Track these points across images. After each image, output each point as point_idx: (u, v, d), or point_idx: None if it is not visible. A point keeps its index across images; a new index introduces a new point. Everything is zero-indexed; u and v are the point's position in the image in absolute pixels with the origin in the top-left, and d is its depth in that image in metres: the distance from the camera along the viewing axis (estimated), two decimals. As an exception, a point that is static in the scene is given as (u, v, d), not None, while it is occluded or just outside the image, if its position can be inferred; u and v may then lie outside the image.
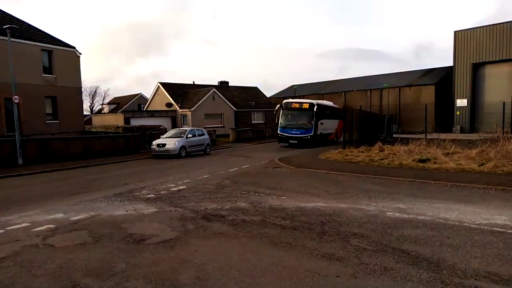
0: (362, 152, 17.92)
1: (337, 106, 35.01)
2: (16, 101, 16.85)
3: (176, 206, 8.07)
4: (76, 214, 7.49)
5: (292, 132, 25.80)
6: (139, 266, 4.75)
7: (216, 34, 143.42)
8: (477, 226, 6.28)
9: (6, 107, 21.57)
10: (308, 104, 26.11)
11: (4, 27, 17.08)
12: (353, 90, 51.47)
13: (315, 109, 25.31)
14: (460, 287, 4.03)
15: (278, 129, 26.81)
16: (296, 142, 25.44)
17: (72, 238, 5.94)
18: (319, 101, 28.99)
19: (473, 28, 38.69)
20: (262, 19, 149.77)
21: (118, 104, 59.61)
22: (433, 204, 7.94)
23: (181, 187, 10.51)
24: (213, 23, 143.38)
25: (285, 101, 27.75)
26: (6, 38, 17.25)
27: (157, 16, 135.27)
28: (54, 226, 6.66)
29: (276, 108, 27.73)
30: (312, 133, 25.33)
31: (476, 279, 4.23)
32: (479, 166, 12.75)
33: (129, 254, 5.19)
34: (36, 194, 10.20)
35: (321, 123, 27.09)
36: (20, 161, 16.90)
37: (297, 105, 26.67)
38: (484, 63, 38.69)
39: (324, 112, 28.29)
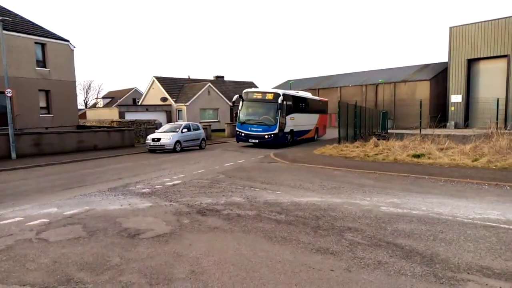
0: (357, 147, 17.99)
1: (317, 98, 30.94)
2: (9, 94, 16.68)
3: (171, 201, 8.05)
4: (70, 209, 7.45)
5: (252, 129, 21.26)
6: (134, 260, 4.74)
7: (211, 27, 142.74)
8: (470, 220, 6.34)
9: (-1, 100, 21.32)
10: (272, 94, 21.42)
11: (-4, 19, 16.83)
12: (349, 85, 51.61)
13: (279, 101, 20.54)
14: (453, 281, 4.06)
15: (236, 125, 22.45)
16: (256, 141, 21.22)
17: (66, 233, 5.91)
18: (288, 91, 24.59)
19: (468, 24, 38.85)
20: (257, 13, 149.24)
21: (112, 98, 59.26)
22: (427, 199, 8.00)
23: (176, 182, 10.49)
24: (208, 16, 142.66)
25: (245, 90, 22.96)
26: (-2, 30, 17.02)
27: (151, 9, 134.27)
28: (48, 220, 6.63)
29: (234, 99, 23.21)
30: (275, 131, 20.78)
31: (468, 273, 4.27)
32: (473, 161, 12.85)
33: (123, 248, 5.17)
34: (30, 188, 10.13)
35: (292, 118, 22.98)
36: (13, 155, 16.77)
37: (259, 95, 21.90)
38: (478, 59, 38.93)
39: (296, 104, 24.02)
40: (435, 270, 4.34)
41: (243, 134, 21.66)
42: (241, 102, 22.19)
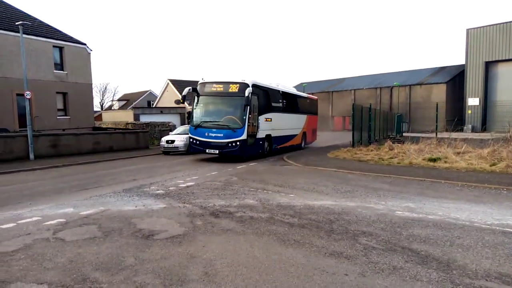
0: (372, 150, 17.81)
1: (304, 94, 25.20)
2: (28, 97, 17.08)
3: (184, 202, 8.11)
4: (86, 209, 7.57)
5: (211, 134, 15.68)
6: (148, 261, 4.79)
7: (225, 30, 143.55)
8: (488, 226, 6.20)
9: (18, 102, 21.90)
10: (237, 85, 15.57)
11: (16, 23, 17.31)
12: (363, 88, 51.19)
13: (247, 94, 14.86)
14: (470, 288, 3.97)
15: (189, 130, 16.83)
16: (217, 152, 15.73)
17: (82, 233, 6.00)
18: (262, 82, 17.48)
19: (486, 26, 38.12)
20: (271, 15, 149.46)
21: (127, 100, 60.15)
22: (443, 204, 7.85)
23: (189, 184, 10.56)
24: (222, 19, 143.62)
25: (201, 81, 16.72)
26: (18, 34, 17.48)
27: (166, 12, 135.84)
28: (65, 220, 6.74)
29: (185, 93, 16.44)
30: (243, 136, 15.32)
31: (487, 279, 4.17)
32: (490, 166, 12.57)
33: (138, 249, 5.23)
34: (47, 188, 10.34)
35: (268, 119, 17.64)
36: (31, 156, 17.13)
37: (220, 87, 16.03)
38: (496, 61, 38.17)
39: (273, 100, 18.55)
40: (452, 277, 4.25)
41: (198, 142, 16.08)
42: (195, 98, 16.56)
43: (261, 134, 16.97)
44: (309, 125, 24.25)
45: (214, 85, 16.21)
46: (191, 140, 16.50)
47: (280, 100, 19.61)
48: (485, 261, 4.69)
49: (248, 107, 15.19)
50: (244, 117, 15.34)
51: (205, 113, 16.34)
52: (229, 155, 15.94)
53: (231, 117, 15.65)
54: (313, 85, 59.16)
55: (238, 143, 15.35)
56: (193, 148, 16.49)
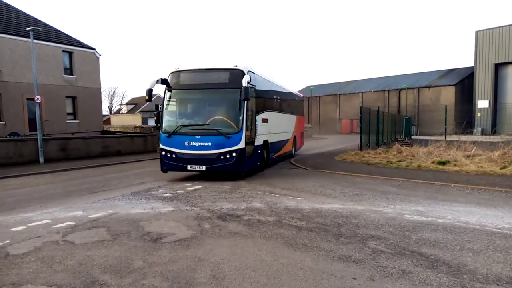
0: (380, 153, 17.70)
1: (293, 91, 20.51)
2: (38, 101, 17.31)
3: (192, 206, 8.13)
4: (95, 212, 7.63)
5: (193, 144, 11.15)
6: (156, 264, 4.81)
7: (230, 34, 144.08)
8: (499, 230, 6.11)
9: (28, 107, 22.22)
10: (228, 73, 11.50)
11: (27, 29, 17.59)
12: (371, 91, 50.98)
13: (244, 83, 10.71)
14: (481, 293, 3.91)
15: (160, 138, 11.85)
16: (203, 168, 11.20)
17: (91, 235, 6.05)
18: (257, 70, 12.94)
19: (495, 28, 37.77)
20: (277, 18, 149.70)
21: (135, 104, 60.58)
22: (453, 207, 7.76)
23: (197, 187, 10.58)
24: (228, 23, 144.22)
25: (173, 70, 11.99)
26: (29, 40, 17.76)
27: (174, 16, 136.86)
28: (74, 223, 6.80)
29: (152, 86, 11.44)
30: (240, 145, 11.05)
31: (498, 284, 4.11)
32: (501, 169, 12.41)
33: (146, 252, 5.25)
34: (57, 191, 10.45)
35: (265, 120, 13.38)
36: (41, 159, 17.34)
37: (202, 76, 11.90)
38: (506, 63, 37.76)
39: (269, 95, 14.60)
40: (462, 281, 4.19)
41: (174, 156, 11.41)
42: (166, 93, 11.89)
43: (259, 141, 12.60)
44: (299, 127, 20.35)
45: (194, 73, 11.93)
46: (163, 153, 11.64)
47: (275, 96, 15.46)
48: (496, 266, 4.62)
49: (246, 103, 11.01)
50: (241, 118, 11.03)
51: (182, 114, 12.01)
52: (220, 171, 11.38)
53: (222, 118, 11.32)
54: (321, 88, 59.05)
55: (234, 154, 11.00)
56: (166, 165, 11.64)
